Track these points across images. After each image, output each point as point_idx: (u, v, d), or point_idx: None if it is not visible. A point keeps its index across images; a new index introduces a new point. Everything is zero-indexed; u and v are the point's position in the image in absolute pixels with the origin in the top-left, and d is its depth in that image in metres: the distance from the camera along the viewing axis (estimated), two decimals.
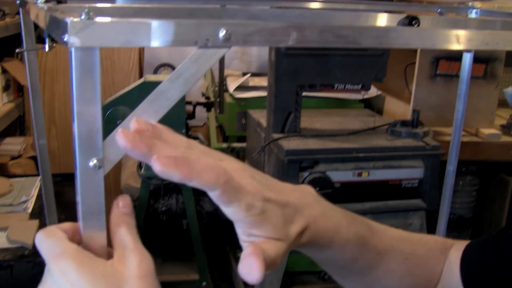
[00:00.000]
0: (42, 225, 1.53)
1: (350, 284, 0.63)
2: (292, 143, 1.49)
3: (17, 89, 2.43)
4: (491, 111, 1.87)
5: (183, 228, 2.07)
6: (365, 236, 0.57)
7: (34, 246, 1.40)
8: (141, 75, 2.70)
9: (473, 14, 1.05)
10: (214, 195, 0.43)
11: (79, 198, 0.41)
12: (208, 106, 2.23)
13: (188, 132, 2.05)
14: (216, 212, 2.07)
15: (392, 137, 1.59)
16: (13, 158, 2.27)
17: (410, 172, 1.53)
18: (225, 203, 0.43)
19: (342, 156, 1.48)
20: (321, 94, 2.02)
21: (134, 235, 0.43)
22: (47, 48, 0.85)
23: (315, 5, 1.05)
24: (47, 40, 0.84)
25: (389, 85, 2.11)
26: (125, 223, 0.43)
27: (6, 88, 2.31)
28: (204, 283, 2.07)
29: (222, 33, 0.40)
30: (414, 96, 1.81)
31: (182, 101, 1.83)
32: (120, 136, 0.40)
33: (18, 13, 1.03)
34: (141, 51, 2.74)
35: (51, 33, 0.44)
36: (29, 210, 1.64)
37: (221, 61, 2.24)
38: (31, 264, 1.38)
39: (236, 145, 2.17)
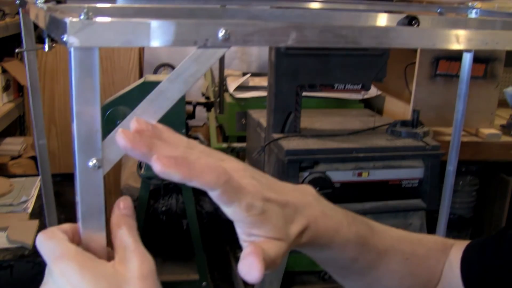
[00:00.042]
0: (42, 225, 1.53)
1: (350, 284, 0.63)
2: (292, 143, 1.49)
3: (17, 89, 2.43)
4: (491, 111, 1.87)
5: (183, 228, 2.07)
6: (366, 236, 0.57)
7: (34, 246, 1.41)
8: (141, 75, 2.70)
9: (473, 14, 1.05)
10: (214, 195, 0.43)
11: (78, 198, 0.41)
12: (208, 106, 2.23)
13: (188, 132, 2.05)
14: (216, 212, 2.07)
15: (392, 137, 1.59)
16: (13, 158, 2.27)
17: (410, 172, 1.53)
18: (225, 203, 0.43)
19: (342, 156, 1.48)
20: (321, 94, 2.02)
21: (135, 236, 0.43)
22: (46, 48, 0.85)
23: (315, 5, 1.05)
24: (46, 40, 0.85)
25: (389, 85, 2.11)
26: (126, 224, 0.43)
27: (6, 88, 2.31)
28: (204, 283, 2.07)
29: (221, 33, 0.40)
30: (414, 96, 1.81)
31: (182, 101, 1.83)
32: (120, 136, 0.40)
33: (18, 13, 1.03)
34: (141, 51, 2.74)
35: (50, 33, 0.44)
36: (29, 210, 1.64)
37: (221, 61, 2.24)
38: (31, 264, 1.38)
39: (236, 145, 2.17)
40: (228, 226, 0.49)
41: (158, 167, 0.40)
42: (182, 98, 1.77)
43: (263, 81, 2.22)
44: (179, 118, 1.81)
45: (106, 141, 0.41)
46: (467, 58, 1.12)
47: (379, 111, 2.09)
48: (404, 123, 1.64)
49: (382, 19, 0.90)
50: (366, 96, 2.16)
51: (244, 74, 2.40)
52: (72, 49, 0.37)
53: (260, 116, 1.74)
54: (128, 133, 0.41)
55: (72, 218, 0.43)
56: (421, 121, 1.63)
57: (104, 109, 1.72)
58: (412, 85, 1.83)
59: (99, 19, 0.37)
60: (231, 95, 2.15)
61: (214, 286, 2.14)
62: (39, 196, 1.71)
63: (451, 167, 1.19)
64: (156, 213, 2.05)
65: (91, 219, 0.42)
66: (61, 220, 1.17)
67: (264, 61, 2.76)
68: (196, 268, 2.07)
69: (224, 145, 2.17)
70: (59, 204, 1.17)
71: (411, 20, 0.75)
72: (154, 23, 0.38)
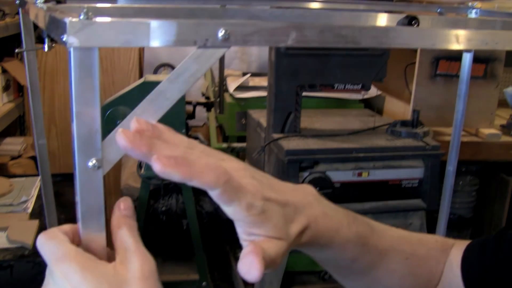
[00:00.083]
0: (42, 225, 1.53)
1: (351, 283, 0.63)
2: (292, 143, 1.49)
3: (17, 89, 2.43)
4: (491, 111, 1.87)
5: (183, 228, 2.07)
6: (366, 236, 0.57)
7: (34, 246, 1.41)
8: (141, 75, 2.70)
9: (473, 14, 1.05)
10: (214, 194, 0.43)
11: (78, 198, 0.41)
12: (208, 106, 2.23)
13: (188, 132, 2.05)
14: (216, 212, 2.07)
15: (392, 137, 1.59)
16: (13, 158, 2.27)
17: (410, 172, 1.53)
18: (225, 202, 0.43)
19: (342, 156, 1.48)
20: (321, 94, 2.02)
21: (136, 237, 0.43)
22: (46, 48, 0.85)
23: (315, 5, 1.05)
24: (46, 40, 0.85)
25: (389, 85, 2.11)
26: (127, 225, 0.44)
27: (6, 88, 2.31)
28: (204, 283, 2.07)
29: (221, 33, 0.40)
30: (414, 96, 1.81)
31: (182, 101, 1.83)
32: (120, 136, 0.40)
33: (18, 13, 1.03)
34: (141, 51, 2.74)
35: (50, 33, 0.44)
36: (29, 210, 1.64)
37: (221, 61, 2.24)
38: (31, 264, 1.38)
39: (236, 145, 2.17)
40: (228, 226, 0.49)
41: (158, 167, 0.40)
42: (182, 98, 1.77)
43: (263, 81, 2.22)
44: (179, 118, 1.81)
45: (106, 141, 0.41)
46: (467, 58, 1.12)
47: (379, 111, 2.09)
48: (404, 123, 1.64)
49: (382, 19, 0.90)
50: (366, 96, 2.16)
51: (244, 74, 2.40)
52: (72, 49, 0.37)
53: (260, 116, 1.74)
54: (128, 133, 0.41)
55: (72, 218, 0.43)
56: (421, 121, 1.63)
57: (104, 109, 1.72)
58: (412, 85, 1.83)
59: (99, 19, 0.37)
60: (231, 95, 2.15)
61: (214, 286, 2.14)
62: (39, 196, 1.71)
63: (451, 167, 1.19)
64: (156, 213, 2.05)
65: (91, 220, 0.42)
66: (61, 220, 1.17)
67: (264, 61, 2.76)
68: (196, 268, 2.07)
69: (224, 145, 2.17)
70: (59, 204, 1.17)
71: (411, 20, 0.75)
72: (154, 23, 0.38)
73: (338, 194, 1.47)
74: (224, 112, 2.21)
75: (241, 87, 2.18)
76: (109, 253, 0.44)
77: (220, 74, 2.21)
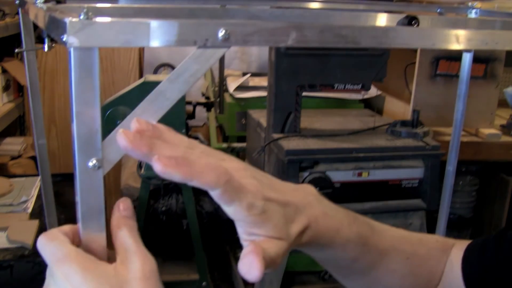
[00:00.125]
0: (42, 225, 1.53)
1: (351, 283, 0.63)
2: (292, 143, 1.49)
3: (17, 89, 2.43)
4: (491, 111, 1.87)
5: (183, 228, 2.07)
6: (366, 236, 0.57)
7: (34, 246, 1.41)
8: (141, 75, 2.70)
9: (472, 14, 1.05)
10: (215, 194, 0.43)
11: (78, 199, 0.41)
12: (208, 106, 2.23)
13: (188, 132, 2.05)
14: (216, 212, 2.07)
15: (392, 137, 1.59)
16: (13, 158, 2.27)
17: (410, 172, 1.53)
18: (226, 202, 0.43)
19: (342, 156, 1.48)
20: (321, 94, 2.02)
21: (136, 237, 0.43)
22: (46, 48, 0.85)
23: (315, 5, 1.05)
24: (46, 40, 0.85)
25: (389, 85, 2.11)
26: (127, 225, 0.44)
27: (6, 88, 2.31)
28: (204, 283, 2.07)
29: (221, 33, 0.40)
30: (414, 96, 1.81)
31: (182, 101, 1.83)
32: (121, 137, 0.40)
33: (18, 13, 1.03)
34: (141, 51, 2.74)
35: (50, 33, 0.44)
36: (29, 210, 1.64)
37: (221, 61, 2.24)
38: (31, 264, 1.38)
39: (236, 145, 2.17)
40: (228, 226, 0.49)
41: (159, 168, 0.40)
42: (182, 98, 1.77)
43: (263, 81, 2.22)
44: (179, 118, 1.81)
45: (106, 141, 0.41)
46: (467, 58, 1.11)
47: (379, 111, 2.09)
48: (404, 123, 1.64)
49: (382, 19, 0.90)
50: (366, 96, 2.16)
51: (244, 74, 2.40)
52: (72, 49, 0.37)
53: (260, 116, 1.74)
54: (128, 133, 0.41)
55: (72, 218, 0.43)
56: (421, 121, 1.63)
57: (104, 109, 1.72)
58: (412, 85, 1.83)
59: (99, 19, 0.37)
60: (231, 95, 2.15)
61: (214, 286, 2.14)
62: (39, 196, 1.71)
63: (450, 167, 1.19)
64: (156, 213, 2.05)
65: (91, 220, 0.42)
66: (61, 220, 1.17)
67: (264, 61, 2.76)
68: (196, 268, 2.07)
69: (224, 145, 2.17)
70: (59, 204, 1.17)
71: (411, 20, 0.75)
72: (154, 23, 0.38)
73: (338, 194, 1.47)
74: (224, 112, 2.21)
75: (241, 87, 2.18)
76: (110, 253, 0.44)
77: (220, 74, 2.21)
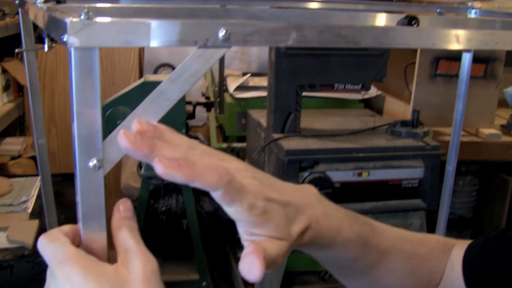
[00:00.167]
0: (42, 225, 1.53)
1: (352, 283, 0.63)
2: (292, 143, 1.49)
3: (17, 89, 2.43)
4: (491, 111, 1.87)
5: (183, 228, 2.07)
6: (367, 236, 0.57)
7: (34, 246, 1.41)
8: (141, 75, 2.70)
9: (472, 14, 1.05)
10: (216, 195, 0.43)
11: (79, 199, 0.41)
12: (208, 106, 2.22)
13: (188, 132, 2.05)
14: (216, 212, 2.07)
15: (392, 137, 1.59)
16: (13, 158, 2.27)
17: (410, 172, 1.53)
18: (227, 203, 0.43)
19: (342, 156, 1.48)
20: (321, 94, 2.02)
21: (137, 237, 0.43)
22: (46, 48, 0.85)
23: (315, 5, 1.05)
24: (46, 40, 0.84)
25: (389, 85, 2.11)
26: (127, 226, 0.44)
27: (6, 88, 2.31)
28: (204, 283, 2.07)
29: (221, 33, 0.40)
30: (414, 96, 1.81)
31: (182, 101, 1.83)
32: (121, 138, 0.40)
33: (17, 13, 1.03)
34: (141, 51, 2.74)
35: (50, 33, 0.44)
36: (29, 210, 1.64)
37: (221, 61, 2.24)
38: (31, 264, 1.38)
39: (236, 145, 2.17)
40: (228, 226, 0.49)
41: (161, 169, 0.40)
42: (182, 98, 1.77)
43: (263, 81, 2.22)
44: (179, 118, 1.81)
45: (107, 141, 0.41)
46: (466, 58, 1.11)
47: (379, 111, 2.09)
48: (404, 123, 1.64)
49: (382, 19, 0.90)
50: (366, 96, 2.16)
51: (244, 74, 2.40)
52: (72, 49, 0.37)
53: (260, 116, 1.74)
54: (129, 134, 0.41)
55: (72, 218, 0.43)
56: (421, 121, 1.63)
57: (104, 109, 1.72)
58: (412, 85, 1.83)
59: (99, 19, 0.37)
60: (231, 95, 2.15)
61: (214, 286, 2.13)
62: (39, 196, 1.71)
63: (450, 167, 1.19)
64: (156, 213, 2.05)
65: (92, 220, 0.42)
66: (61, 220, 1.17)
67: (264, 61, 2.76)
68: (196, 268, 2.07)
69: (224, 145, 2.17)
70: (59, 204, 1.17)
71: (410, 20, 0.75)
72: (154, 23, 0.38)
73: (338, 194, 1.47)
74: (224, 112, 2.21)
75: (241, 87, 2.18)
76: (110, 254, 0.44)
77: (220, 74, 2.21)
